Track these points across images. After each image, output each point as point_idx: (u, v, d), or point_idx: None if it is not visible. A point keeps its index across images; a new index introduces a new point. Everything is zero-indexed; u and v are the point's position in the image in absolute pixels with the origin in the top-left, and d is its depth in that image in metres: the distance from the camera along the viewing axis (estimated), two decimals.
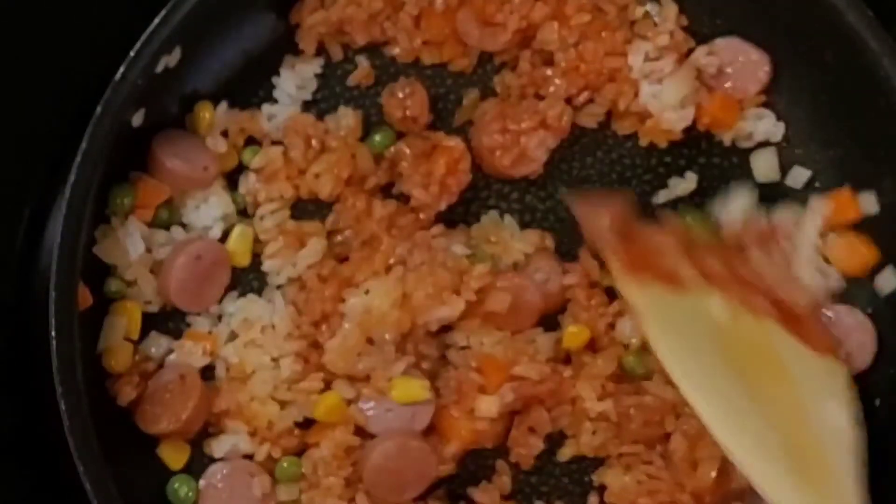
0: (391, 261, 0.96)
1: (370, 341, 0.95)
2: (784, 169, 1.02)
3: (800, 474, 0.85)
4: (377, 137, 0.99)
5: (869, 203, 1.00)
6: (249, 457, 0.96)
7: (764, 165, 1.02)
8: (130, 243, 0.94)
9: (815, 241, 1.00)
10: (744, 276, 0.92)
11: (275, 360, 0.97)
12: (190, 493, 0.95)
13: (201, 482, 0.95)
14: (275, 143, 0.99)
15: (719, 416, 0.86)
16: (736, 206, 1.01)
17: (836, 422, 0.89)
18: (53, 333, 0.86)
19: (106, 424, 0.91)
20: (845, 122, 0.99)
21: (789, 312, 0.91)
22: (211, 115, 0.97)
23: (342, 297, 0.96)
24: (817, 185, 1.02)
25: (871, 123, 0.97)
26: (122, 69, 0.89)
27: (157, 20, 0.89)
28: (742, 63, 1.01)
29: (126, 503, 0.90)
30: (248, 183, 0.98)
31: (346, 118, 0.99)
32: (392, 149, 0.99)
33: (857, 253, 1.00)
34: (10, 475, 0.96)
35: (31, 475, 0.97)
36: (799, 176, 1.02)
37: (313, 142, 0.98)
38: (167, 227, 0.97)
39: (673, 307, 0.89)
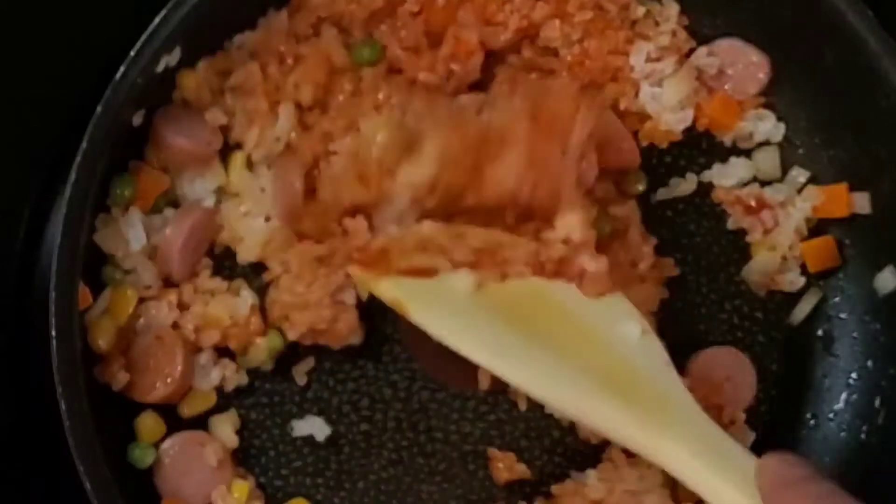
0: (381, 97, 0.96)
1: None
2: (784, 169, 1.02)
3: (620, 396, 0.87)
4: (365, 51, 0.97)
5: (862, 203, 1.00)
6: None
7: (765, 163, 1.02)
8: (133, 235, 0.94)
9: (800, 224, 1.01)
10: (490, 251, 0.93)
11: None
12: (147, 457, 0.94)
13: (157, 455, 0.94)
14: None
15: (523, 373, 0.88)
16: (732, 176, 1.02)
17: (632, 337, 0.91)
18: (53, 334, 0.86)
19: (106, 424, 0.91)
20: (845, 122, 0.99)
21: (554, 269, 0.93)
22: (196, 79, 0.95)
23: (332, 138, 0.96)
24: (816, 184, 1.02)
25: (872, 124, 0.97)
26: (122, 69, 0.88)
27: (157, 20, 0.89)
28: (742, 64, 1.01)
29: (126, 503, 0.89)
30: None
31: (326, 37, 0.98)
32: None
33: (825, 251, 1.01)
34: (10, 475, 0.96)
35: (31, 475, 0.97)
36: (799, 175, 1.02)
37: (289, 60, 0.97)
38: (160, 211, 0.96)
39: (428, 290, 0.91)
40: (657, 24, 1.01)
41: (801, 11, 0.96)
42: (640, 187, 1.01)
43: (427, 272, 0.92)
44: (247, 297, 0.96)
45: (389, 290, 0.91)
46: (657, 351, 0.90)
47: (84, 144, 0.88)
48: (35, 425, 0.95)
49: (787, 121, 1.02)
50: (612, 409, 0.87)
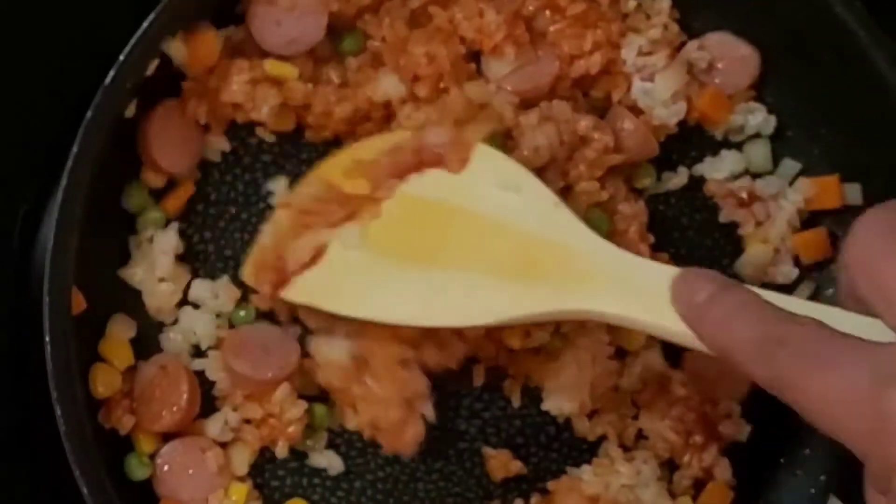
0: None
1: None
2: (775, 161, 1.02)
3: (532, 275, 0.85)
4: (347, 41, 0.97)
5: (854, 194, 1.00)
6: None
7: (757, 155, 1.02)
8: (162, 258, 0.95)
9: (792, 216, 1.01)
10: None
11: None
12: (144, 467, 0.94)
13: (157, 461, 0.94)
14: None
15: (442, 314, 0.87)
16: (724, 169, 1.02)
17: (514, 198, 0.89)
18: (48, 339, 0.86)
19: (102, 429, 0.92)
20: (836, 113, 0.99)
21: (414, 161, 0.91)
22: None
23: None
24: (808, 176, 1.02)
25: (862, 116, 0.97)
26: (111, 73, 0.88)
27: (144, 24, 0.88)
28: (732, 58, 1.01)
29: None
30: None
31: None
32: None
33: (817, 242, 1.02)
34: (8, 478, 0.96)
35: (29, 479, 0.97)
36: (790, 167, 1.02)
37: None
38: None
39: (323, 276, 0.90)
40: (648, 17, 1.01)
41: (791, 3, 0.96)
42: (648, 180, 1.01)
43: (318, 254, 0.91)
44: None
45: (296, 296, 0.91)
46: (543, 197, 0.88)
47: (75, 149, 0.87)
48: (32, 429, 0.95)
49: (777, 113, 1.02)
50: (527, 293, 0.85)
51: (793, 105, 1.01)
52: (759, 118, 1.01)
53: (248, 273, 0.94)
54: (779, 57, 1.00)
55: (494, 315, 0.87)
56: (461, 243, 0.89)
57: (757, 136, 1.02)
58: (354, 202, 0.92)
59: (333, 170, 0.94)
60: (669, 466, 1.00)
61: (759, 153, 1.02)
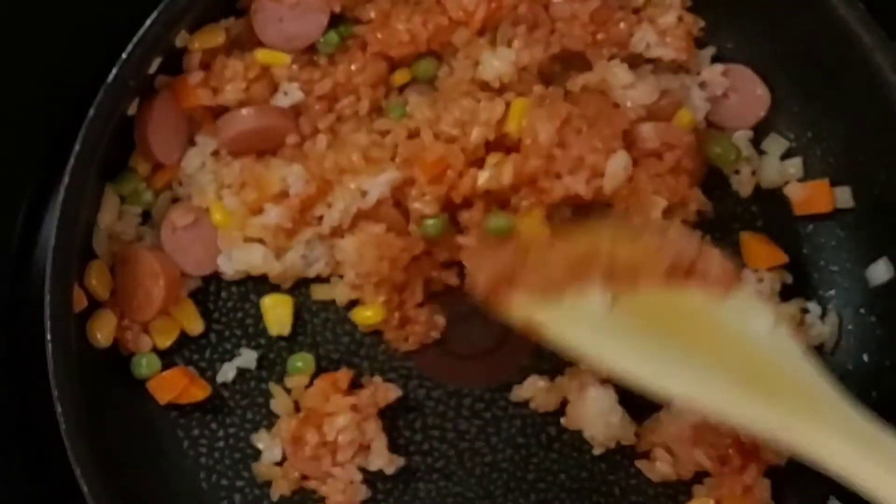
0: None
1: None
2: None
3: (764, 390, 0.84)
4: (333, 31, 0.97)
5: (844, 198, 1.00)
6: None
7: (768, 169, 1.03)
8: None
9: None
10: (623, 265, 0.90)
11: None
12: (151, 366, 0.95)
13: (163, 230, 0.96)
14: None
15: (663, 376, 0.85)
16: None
17: (763, 330, 0.88)
18: (49, 337, 0.86)
19: (103, 426, 0.91)
20: (838, 115, 0.99)
21: (682, 271, 0.90)
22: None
23: None
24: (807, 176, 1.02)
25: (864, 117, 0.97)
26: (114, 71, 0.88)
27: (148, 22, 0.89)
28: (746, 94, 1.01)
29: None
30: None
31: None
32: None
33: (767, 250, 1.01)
34: (8, 477, 0.96)
35: (29, 476, 0.97)
36: (790, 167, 1.02)
37: None
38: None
39: (564, 309, 0.89)
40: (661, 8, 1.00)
41: (794, 5, 0.96)
42: None
43: (552, 290, 0.89)
44: None
45: (526, 310, 0.89)
46: (791, 342, 0.88)
47: (77, 147, 0.88)
48: (33, 425, 0.95)
49: (780, 114, 1.02)
50: (758, 405, 0.83)
51: (795, 107, 1.02)
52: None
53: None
54: (782, 57, 1.00)
55: (717, 405, 0.85)
56: (701, 338, 0.87)
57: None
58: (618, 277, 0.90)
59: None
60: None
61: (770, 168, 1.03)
